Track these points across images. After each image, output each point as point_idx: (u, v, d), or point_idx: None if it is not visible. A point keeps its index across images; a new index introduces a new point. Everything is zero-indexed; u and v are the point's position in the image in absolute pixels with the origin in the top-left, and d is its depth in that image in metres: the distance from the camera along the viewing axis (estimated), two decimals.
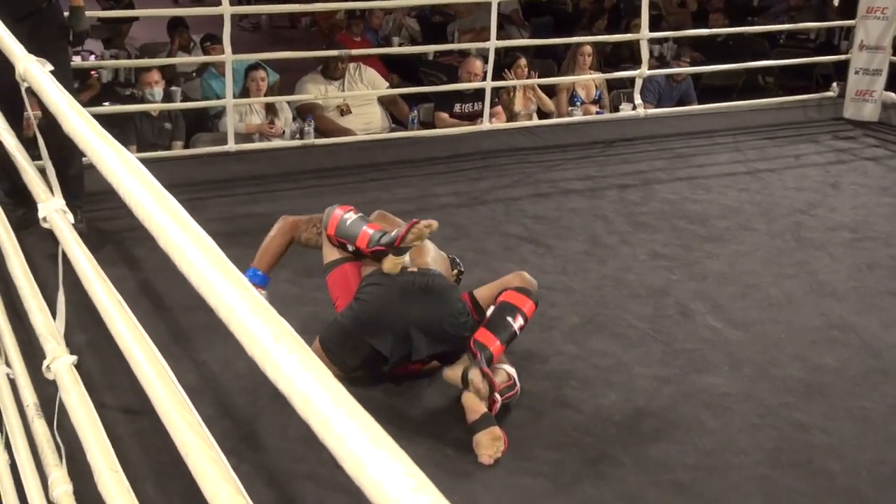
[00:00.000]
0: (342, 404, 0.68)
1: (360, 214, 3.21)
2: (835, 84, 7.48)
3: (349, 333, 3.03)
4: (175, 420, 1.02)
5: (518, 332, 3.02)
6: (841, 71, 7.46)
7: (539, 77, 7.08)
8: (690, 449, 2.86)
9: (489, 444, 2.75)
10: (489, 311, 3.06)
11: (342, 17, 9.70)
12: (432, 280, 3.10)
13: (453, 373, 2.90)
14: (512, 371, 3.02)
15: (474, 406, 2.84)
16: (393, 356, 3.02)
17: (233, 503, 0.88)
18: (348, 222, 3.16)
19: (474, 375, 2.84)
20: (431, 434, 2.88)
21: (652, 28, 6.94)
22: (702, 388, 3.21)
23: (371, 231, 3.10)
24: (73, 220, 3.16)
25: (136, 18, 9.97)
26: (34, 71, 1.61)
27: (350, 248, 3.18)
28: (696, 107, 7.31)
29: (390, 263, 3.05)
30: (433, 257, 3.29)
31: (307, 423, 0.69)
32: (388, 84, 7.15)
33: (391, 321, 3.00)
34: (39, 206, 1.69)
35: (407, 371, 3.16)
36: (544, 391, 3.17)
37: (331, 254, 3.27)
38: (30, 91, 1.63)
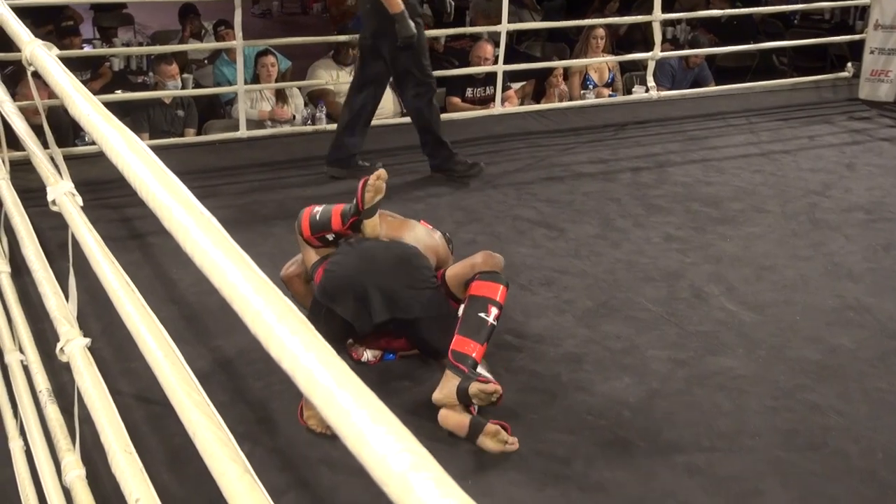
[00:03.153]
0: (346, 382, 0.67)
1: (324, 205, 3.18)
2: (849, 64, 7.42)
3: (319, 305, 3.02)
4: (182, 399, 1.01)
5: (496, 323, 2.89)
6: (856, 51, 7.40)
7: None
8: (704, 431, 2.85)
9: (496, 441, 2.69)
10: (461, 310, 2.94)
11: (353, 2, 9.66)
12: (396, 245, 3.06)
13: (443, 394, 2.80)
14: (483, 372, 2.90)
15: (459, 421, 2.76)
16: (354, 320, 2.96)
17: (241, 482, 0.87)
18: (318, 215, 3.13)
19: (475, 389, 2.73)
20: None
21: (665, 10, 6.90)
22: (716, 371, 3.20)
23: (342, 207, 3.10)
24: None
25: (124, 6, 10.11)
26: (40, 55, 1.60)
27: (330, 237, 3.14)
28: (709, 88, 7.28)
29: (369, 228, 3.06)
30: (416, 237, 3.20)
31: (312, 401, 0.68)
32: None
33: (351, 284, 2.95)
34: (48, 189, 1.69)
35: (389, 347, 3.17)
36: (557, 375, 3.16)
37: (311, 257, 3.20)
38: (36, 75, 1.63)
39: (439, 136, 5.17)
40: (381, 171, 3.04)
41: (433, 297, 3.00)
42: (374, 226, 3.07)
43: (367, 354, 3.18)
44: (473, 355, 2.82)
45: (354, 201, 3.04)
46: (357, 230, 3.10)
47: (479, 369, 2.86)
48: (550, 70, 7.14)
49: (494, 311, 2.89)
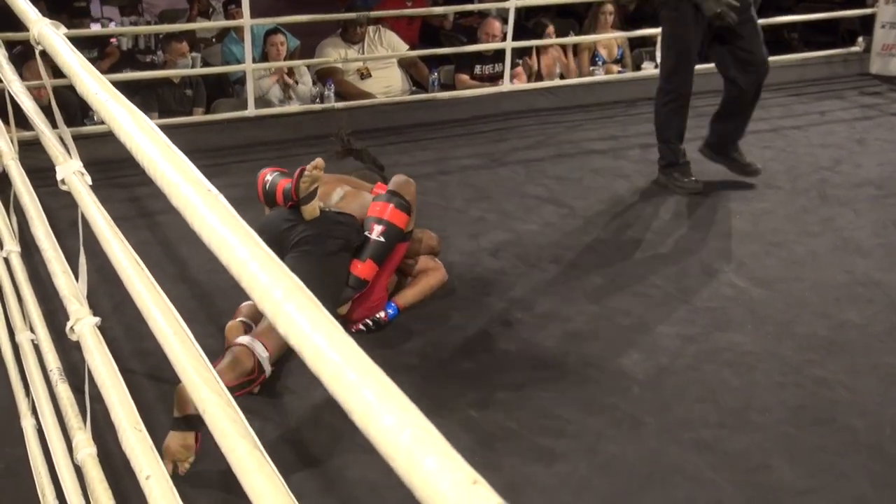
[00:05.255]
0: (353, 358, 0.68)
1: (277, 171, 3.25)
2: (861, 39, 7.37)
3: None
4: (192, 376, 1.02)
5: (381, 239, 3.11)
6: (867, 25, 7.35)
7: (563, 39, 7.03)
8: (713, 407, 2.86)
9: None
10: None
11: None
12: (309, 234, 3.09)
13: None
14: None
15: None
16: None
17: (250, 458, 0.88)
18: (268, 185, 3.21)
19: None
20: (454, 395, 2.89)
21: None
22: (725, 347, 3.20)
23: (284, 185, 3.14)
24: None
25: None
26: (48, 34, 1.60)
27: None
28: None
29: (307, 213, 3.11)
30: (349, 193, 3.33)
31: (319, 377, 0.69)
32: (408, 47, 7.11)
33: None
34: (57, 168, 1.69)
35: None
36: (566, 351, 3.17)
37: None
38: (43, 55, 1.64)
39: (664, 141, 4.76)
40: (319, 161, 3.07)
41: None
42: (313, 210, 3.11)
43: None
44: (355, 273, 3.09)
45: (289, 189, 3.09)
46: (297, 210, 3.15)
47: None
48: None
49: (378, 228, 3.11)
